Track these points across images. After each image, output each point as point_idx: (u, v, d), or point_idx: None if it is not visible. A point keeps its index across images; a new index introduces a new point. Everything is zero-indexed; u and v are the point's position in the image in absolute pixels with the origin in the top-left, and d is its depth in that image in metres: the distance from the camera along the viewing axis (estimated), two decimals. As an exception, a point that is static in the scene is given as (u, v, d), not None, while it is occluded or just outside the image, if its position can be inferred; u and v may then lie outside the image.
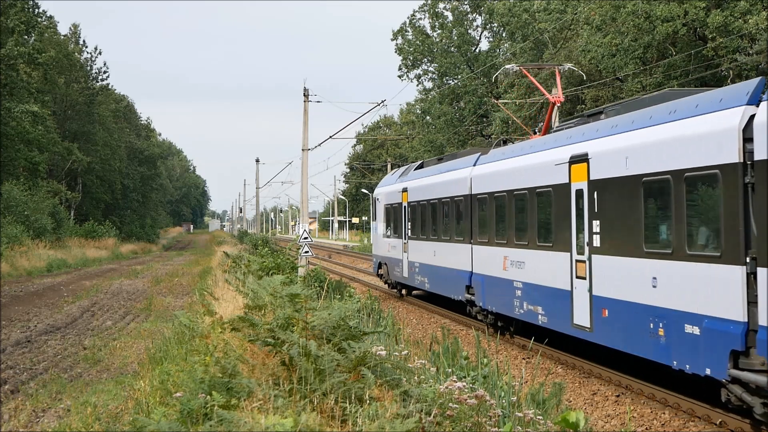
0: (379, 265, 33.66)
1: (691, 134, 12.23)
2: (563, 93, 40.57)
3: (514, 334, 20.29)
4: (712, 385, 12.39)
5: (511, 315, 19.22)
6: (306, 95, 36.64)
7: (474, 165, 22.15)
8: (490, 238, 20.46)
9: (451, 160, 25.40)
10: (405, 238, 28.91)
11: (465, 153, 25.22)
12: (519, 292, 18.60)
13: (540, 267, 17.52)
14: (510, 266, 19.11)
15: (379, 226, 33.44)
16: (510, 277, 19.11)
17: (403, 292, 31.29)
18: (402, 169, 32.56)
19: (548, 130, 22.25)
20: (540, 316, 17.43)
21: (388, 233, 31.59)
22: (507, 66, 28.12)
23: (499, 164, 20.20)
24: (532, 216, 17.96)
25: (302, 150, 37.00)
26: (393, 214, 30.84)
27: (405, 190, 29.12)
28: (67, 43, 79.74)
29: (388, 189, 32.36)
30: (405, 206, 28.95)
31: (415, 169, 29.77)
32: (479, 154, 22.46)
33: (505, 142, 22.63)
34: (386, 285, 33.07)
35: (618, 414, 13.39)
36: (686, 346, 12.14)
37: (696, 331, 11.94)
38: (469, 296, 22.23)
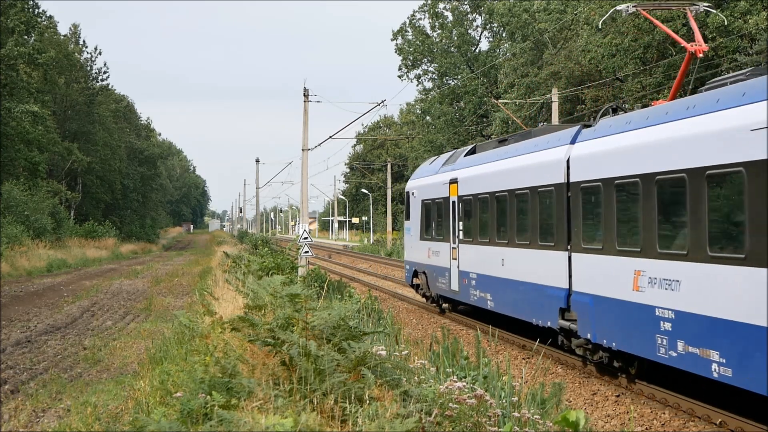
0: (415, 274, 27.81)
1: None
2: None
3: (636, 378, 14.69)
4: (711, 385, 12.37)
5: (650, 357, 13.26)
6: (306, 95, 36.65)
7: (572, 143, 16.30)
8: (607, 243, 14.56)
9: (525, 141, 19.59)
10: (454, 242, 23.32)
11: (546, 130, 19.38)
12: (667, 326, 12.71)
13: (717, 290, 11.60)
14: (647, 285, 13.27)
15: (414, 226, 27.63)
16: (648, 301, 13.23)
17: (444, 305, 25.80)
18: (445, 156, 26.60)
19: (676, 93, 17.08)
20: (716, 366, 11.45)
21: (429, 235, 25.88)
22: (621, 6, 21.13)
23: (626, 138, 14.14)
24: (697, 211, 11.93)
25: (302, 150, 37.01)
26: (435, 211, 25.17)
27: (454, 181, 23.40)
28: (67, 43, 79.77)
29: (427, 181, 26.42)
30: (454, 201, 23.32)
31: (466, 154, 23.78)
32: (578, 127, 16.70)
33: (615, 111, 16.41)
34: (425, 299, 27.49)
35: (618, 414, 13.39)
36: None
37: None
38: (565, 323, 16.30)
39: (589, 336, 15.24)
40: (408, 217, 28.62)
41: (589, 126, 16.31)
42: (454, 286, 23.33)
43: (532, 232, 18.04)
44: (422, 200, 26.59)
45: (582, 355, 16.13)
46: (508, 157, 19.89)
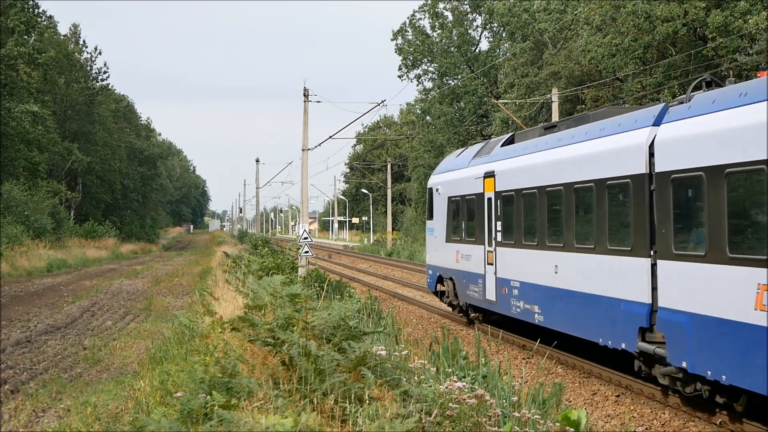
0: (439, 280, 24.90)
1: None
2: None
3: (744, 416, 12.18)
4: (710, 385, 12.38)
5: None
6: (306, 95, 36.66)
7: (656, 124, 13.34)
8: (713, 248, 11.54)
9: (583, 126, 16.57)
10: (490, 245, 20.36)
11: (609, 113, 16.36)
12: None
13: None
14: None
15: (439, 226, 24.69)
16: None
17: (472, 315, 22.91)
18: (475, 147, 23.38)
19: None
20: None
21: (457, 236, 22.92)
22: None
23: (743, 114, 11.22)
24: None
25: (302, 150, 37.02)
26: (466, 209, 22.25)
27: (489, 174, 20.40)
28: (67, 43, 79.82)
29: (454, 176, 23.52)
30: (490, 198, 20.37)
31: (503, 144, 20.79)
32: (662, 106, 13.63)
33: (710, 84, 13.59)
34: (451, 308, 24.56)
35: (618, 414, 13.39)
36: None
37: None
38: (648, 346, 13.29)
39: (684, 364, 12.20)
40: (431, 216, 25.56)
41: (676, 104, 13.31)
42: (490, 295, 20.34)
43: (599, 234, 14.96)
44: (449, 197, 23.66)
45: (667, 385, 13.24)
46: (562, 145, 16.77)
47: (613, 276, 14.45)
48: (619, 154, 14.28)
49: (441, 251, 24.53)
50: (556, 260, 16.67)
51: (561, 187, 16.42)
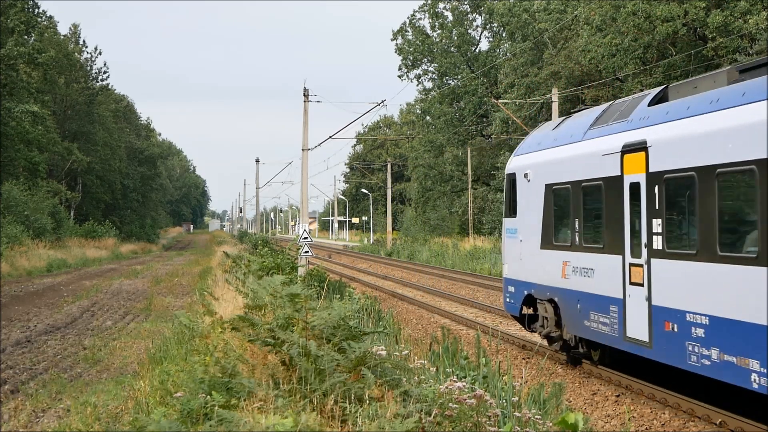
0: (527, 300, 18.00)
1: None
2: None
3: None
4: (711, 385, 12.38)
5: None
6: (306, 95, 36.67)
7: None
8: None
9: None
10: (637, 255, 13.48)
11: None
12: None
13: None
14: None
15: (527, 225, 17.91)
16: None
17: (573, 350, 16.56)
18: (590, 112, 16.75)
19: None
20: None
21: (565, 241, 16.17)
22: None
23: None
24: None
25: (302, 150, 37.02)
26: (582, 201, 15.49)
27: (635, 147, 13.48)
28: (67, 43, 79.89)
29: (558, 154, 16.67)
30: (636, 184, 13.50)
31: (652, 102, 13.91)
32: None
33: None
34: (547, 340, 17.67)
35: (618, 414, 13.39)
36: None
37: None
38: None
39: None
40: (512, 213, 18.79)
41: None
42: (636, 331, 13.61)
43: None
44: (548, 185, 16.90)
45: None
46: None
47: None
48: None
49: (532, 261, 17.80)
50: None
51: None
